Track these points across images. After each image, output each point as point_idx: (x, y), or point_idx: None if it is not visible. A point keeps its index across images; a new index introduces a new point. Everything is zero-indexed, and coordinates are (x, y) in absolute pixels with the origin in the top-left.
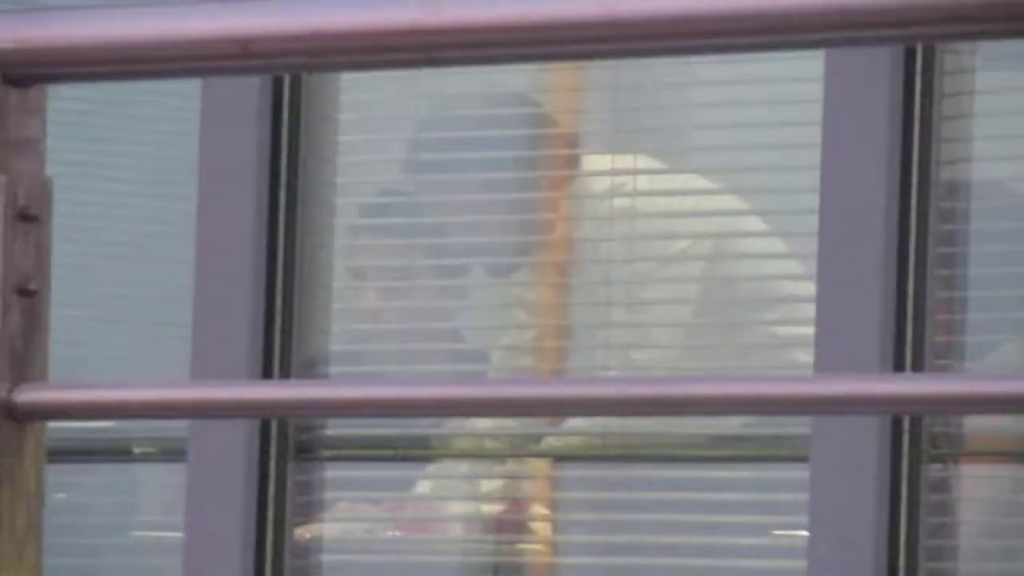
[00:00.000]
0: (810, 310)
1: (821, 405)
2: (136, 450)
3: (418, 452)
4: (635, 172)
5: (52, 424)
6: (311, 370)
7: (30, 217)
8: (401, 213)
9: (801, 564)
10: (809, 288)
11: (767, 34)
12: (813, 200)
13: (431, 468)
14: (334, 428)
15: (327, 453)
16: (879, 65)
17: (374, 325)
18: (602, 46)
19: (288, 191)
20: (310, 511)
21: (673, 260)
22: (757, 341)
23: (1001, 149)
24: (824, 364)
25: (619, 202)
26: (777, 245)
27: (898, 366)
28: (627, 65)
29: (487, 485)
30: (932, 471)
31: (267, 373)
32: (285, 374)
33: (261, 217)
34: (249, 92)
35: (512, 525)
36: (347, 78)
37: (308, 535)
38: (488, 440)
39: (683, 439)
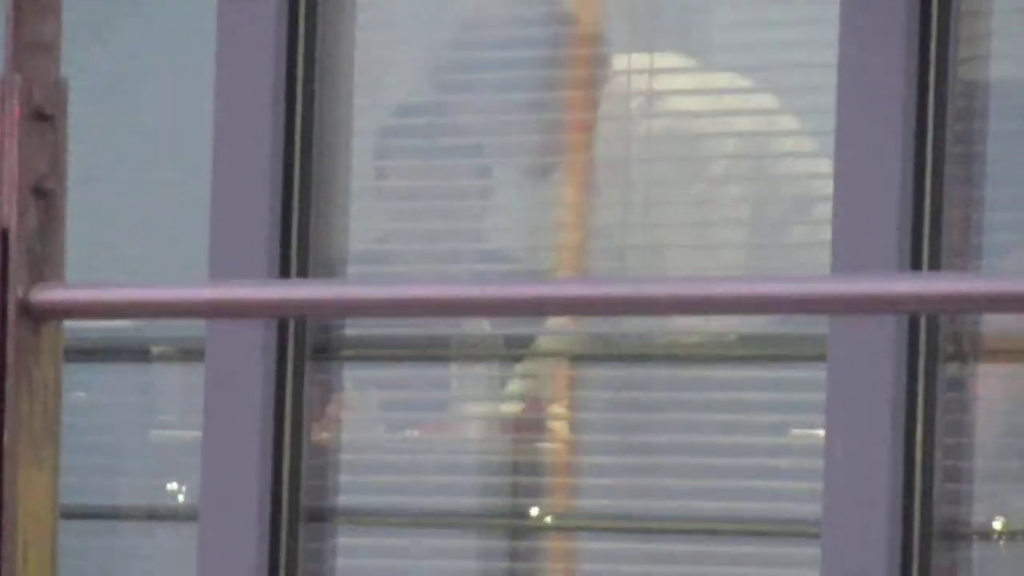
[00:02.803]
0: (828, 210)
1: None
2: (154, 351)
3: (436, 352)
4: (660, 71)
5: (69, 324)
6: (329, 271)
7: (45, 116)
8: (424, 113)
9: (818, 463)
10: (828, 188)
11: None
12: (829, 99)
13: (449, 369)
14: (352, 328)
15: (345, 353)
16: None
17: (394, 225)
18: None
19: (305, 92)
20: (328, 411)
21: (700, 160)
22: (779, 241)
23: (1019, 47)
24: (841, 264)
25: (644, 102)
26: (800, 144)
27: (915, 265)
28: None
29: (505, 385)
30: (949, 370)
31: (284, 273)
32: (303, 274)
33: (278, 117)
34: (267, 30)
35: (530, 425)
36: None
37: (326, 435)
38: (506, 340)
39: (701, 339)
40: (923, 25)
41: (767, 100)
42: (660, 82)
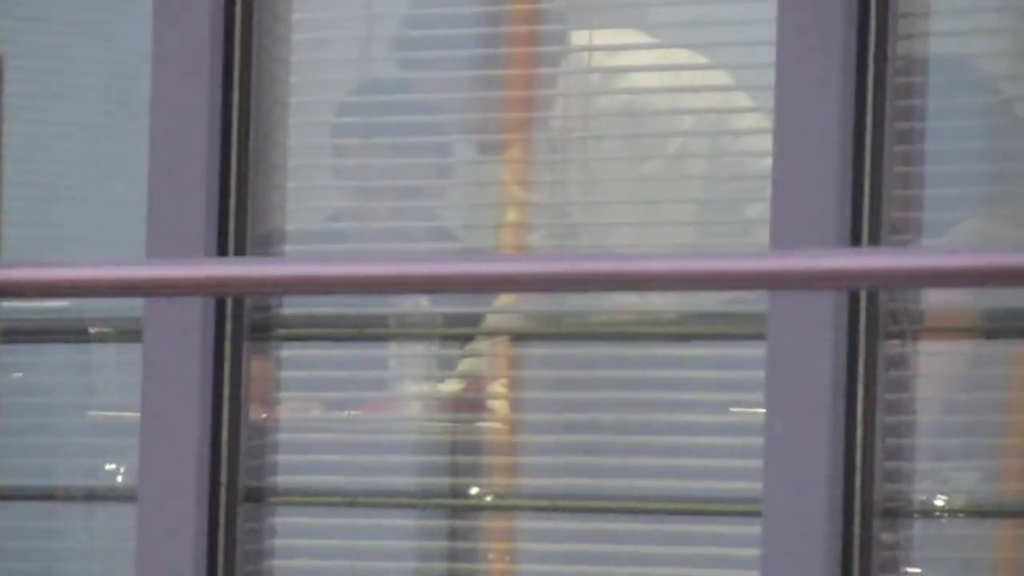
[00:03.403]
0: (767, 186)
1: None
2: (91, 330)
3: (375, 331)
4: (609, 48)
5: (6, 304)
6: (266, 249)
7: None
8: (370, 91)
9: (758, 441)
10: (766, 163)
11: None
12: (769, 76)
13: (388, 348)
14: (290, 307)
15: (284, 332)
16: None
17: (328, 203)
18: None
19: (243, 65)
20: (266, 391)
21: (648, 138)
22: (727, 219)
23: (959, 24)
24: (781, 240)
25: (594, 79)
26: (742, 122)
27: (855, 242)
28: None
29: (445, 364)
30: (889, 347)
31: (222, 251)
32: (240, 253)
33: (215, 93)
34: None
35: (470, 404)
36: None
37: (264, 415)
38: (446, 318)
39: (641, 317)
40: (863, 2)
41: (713, 77)
42: (607, 59)
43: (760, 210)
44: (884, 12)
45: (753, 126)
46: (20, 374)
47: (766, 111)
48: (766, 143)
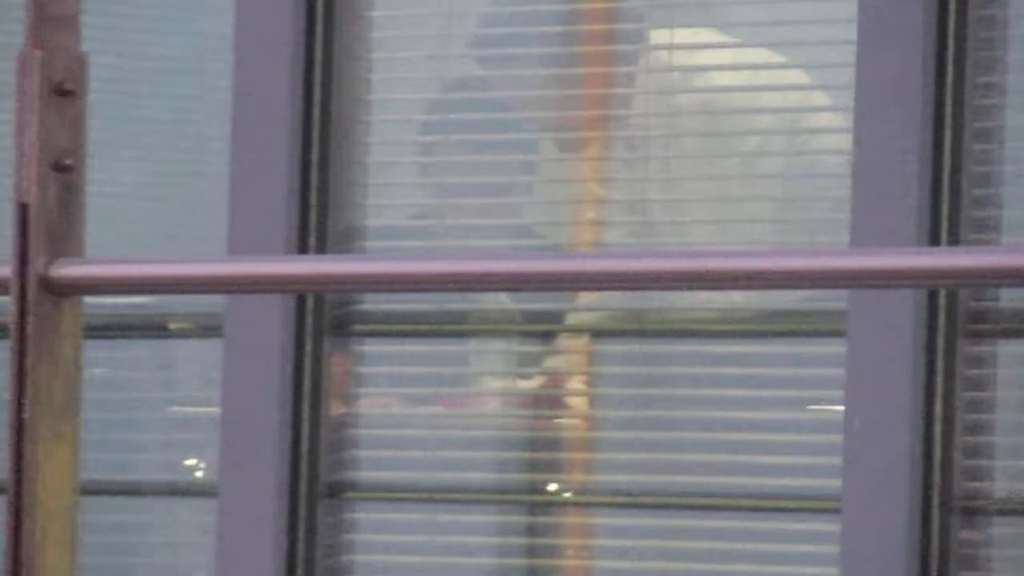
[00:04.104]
0: (848, 184)
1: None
2: (173, 326)
3: (454, 328)
4: (690, 47)
5: (89, 299)
6: (347, 246)
7: (66, 92)
8: (435, 89)
9: (837, 438)
10: (844, 161)
11: None
12: (848, 75)
13: (468, 343)
14: (371, 303)
15: (364, 328)
16: None
17: (407, 200)
18: None
19: (324, 64)
20: (347, 386)
21: (727, 136)
22: (806, 216)
23: None
24: (860, 239)
25: (668, 76)
26: (822, 121)
27: (934, 241)
28: None
29: (524, 360)
30: (968, 346)
31: (303, 248)
32: (321, 249)
33: (296, 90)
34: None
35: (549, 400)
36: None
37: (344, 410)
38: (525, 315)
39: (720, 314)
40: (942, 2)
41: (791, 76)
42: (686, 57)
43: (837, 209)
44: (963, 12)
45: (832, 125)
46: (103, 369)
47: (845, 110)
48: (844, 142)
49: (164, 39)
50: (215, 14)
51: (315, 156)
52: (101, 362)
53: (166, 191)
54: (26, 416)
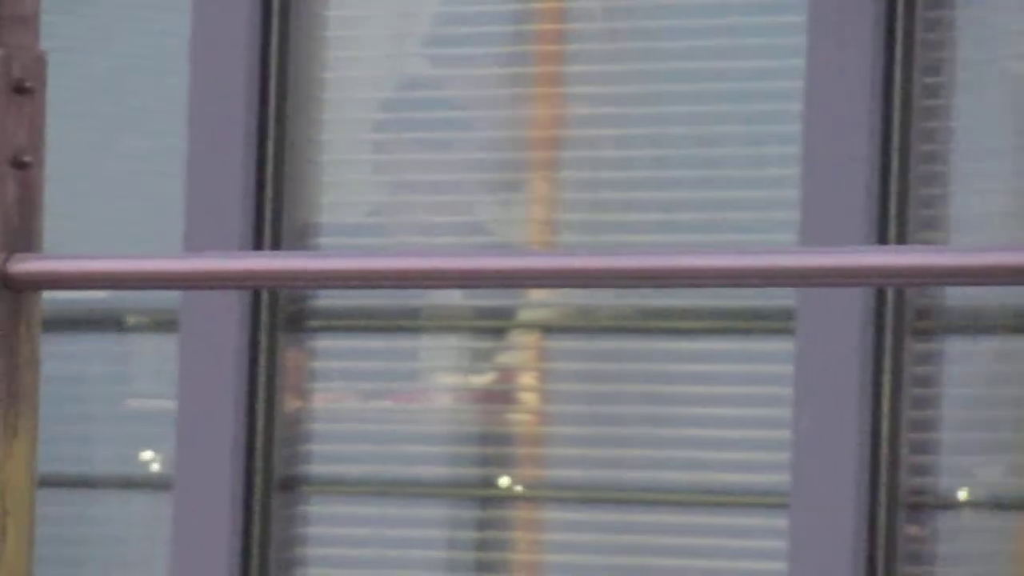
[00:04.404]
0: (796, 186)
1: (806, 277)
2: (129, 320)
3: (408, 323)
4: (636, 52)
5: (45, 294)
6: (301, 242)
7: (25, 90)
8: (389, 88)
9: (785, 434)
10: (795, 166)
11: None
12: (798, 80)
13: (421, 340)
14: (325, 299)
15: (318, 324)
16: None
17: (361, 198)
18: None
19: (279, 63)
20: (300, 381)
21: (679, 142)
22: (745, 218)
23: (984, 25)
24: (809, 238)
25: (609, 75)
26: (770, 123)
27: (882, 241)
28: None
29: (476, 356)
30: (915, 343)
31: (258, 245)
32: (276, 246)
33: (252, 90)
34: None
35: (500, 396)
36: None
37: (299, 404)
38: (477, 311)
39: (669, 311)
40: (890, 7)
41: (742, 81)
42: (637, 62)
43: (787, 209)
44: (912, 14)
45: (780, 128)
46: (59, 363)
47: (795, 114)
48: (793, 144)
49: (122, 36)
50: (173, 14)
51: (270, 153)
52: (57, 356)
53: (121, 186)
54: None
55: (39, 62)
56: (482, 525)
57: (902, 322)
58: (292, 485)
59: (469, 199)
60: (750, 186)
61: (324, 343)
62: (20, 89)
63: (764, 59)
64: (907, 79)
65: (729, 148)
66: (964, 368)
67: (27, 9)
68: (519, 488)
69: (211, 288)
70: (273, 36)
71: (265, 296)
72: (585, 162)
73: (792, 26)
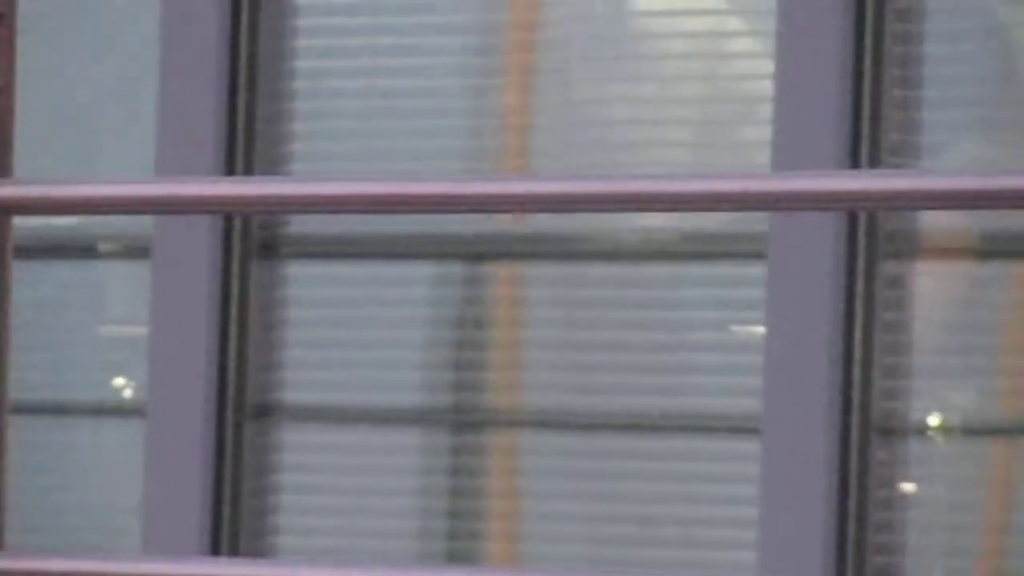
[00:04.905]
0: (768, 110)
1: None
2: (101, 247)
3: (381, 250)
4: None
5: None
6: (274, 169)
7: None
8: (365, 13)
9: (757, 359)
10: (768, 87)
11: None
12: (774, 2)
13: (393, 267)
14: (297, 226)
15: (290, 250)
16: None
17: (336, 124)
18: None
19: None
20: (272, 307)
21: (647, 60)
22: (725, 140)
23: None
24: (782, 163)
25: (591, 3)
26: (744, 46)
27: (854, 165)
28: None
29: (448, 283)
30: (888, 267)
31: (230, 170)
32: (248, 171)
33: (224, 8)
34: None
35: (472, 323)
36: None
37: (271, 332)
38: (450, 238)
39: (641, 236)
40: None
41: (714, 1)
42: None
43: (759, 133)
44: None
45: (755, 50)
46: (30, 291)
47: (768, 35)
48: (768, 67)
49: None
50: None
51: (243, 76)
52: (28, 283)
53: (93, 111)
54: None
55: None
56: (456, 452)
57: (874, 246)
58: (264, 413)
59: (439, 124)
60: (721, 108)
61: (297, 270)
62: None
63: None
64: (879, 2)
65: (698, 68)
66: (937, 292)
67: None
68: (492, 415)
69: (184, 213)
70: None
71: (238, 222)
72: (557, 86)
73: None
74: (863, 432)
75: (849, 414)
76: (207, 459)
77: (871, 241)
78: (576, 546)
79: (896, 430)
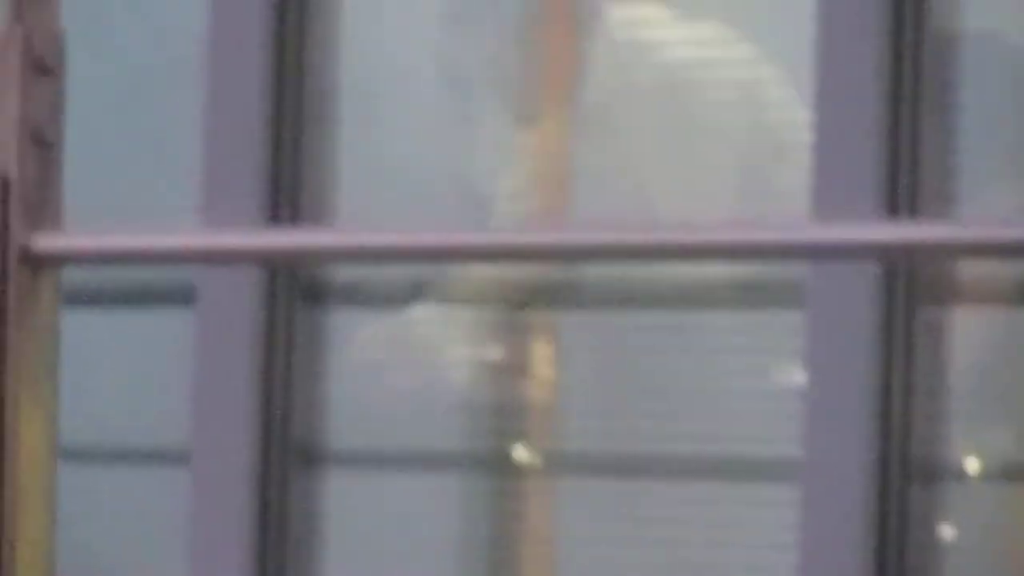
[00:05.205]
0: (806, 157)
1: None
2: (145, 294)
3: (424, 296)
4: (645, 22)
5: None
6: (319, 216)
7: (46, 68)
8: (412, 59)
9: (796, 405)
10: (805, 136)
11: None
12: (807, 47)
13: (437, 312)
14: (342, 273)
15: (335, 297)
16: None
17: (382, 166)
18: None
19: (296, 40)
20: (318, 355)
21: (684, 109)
22: (764, 189)
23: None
24: (820, 211)
25: (630, 52)
26: (781, 93)
27: (892, 214)
28: None
29: (490, 328)
30: (926, 313)
31: (276, 221)
32: (294, 222)
33: (268, 63)
34: None
35: (514, 368)
36: None
37: (316, 379)
38: (492, 283)
39: (681, 284)
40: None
41: (749, 50)
42: (645, 32)
43: (797, 181)
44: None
45: (792, 98)
46: (77, 336)
47: (806, 83)
48: (805, 115)
49: (134, 14)
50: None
51: (288, 124)
52: (76, 329)
53: (138, 161)
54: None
55: (59, 40)
56: (500, 497)
57: (913, 292)
58: (311, 459)
59: (476, 172)
60: (759, 157)
61: (341, 315)
62: (41, 67)
63: (772, 26)
64: (918, 48)
65: (736, 117)
66: (974, 338)
67: None
68: (534, 460)
69: (233, 263)
70: (290, 14)
71: (281, 269)
72: (594, 136)
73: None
74: (903, 478)
75: (888, 459)
76: (252, 506)
77: (910, 287)
78: None
79: (935, 476)
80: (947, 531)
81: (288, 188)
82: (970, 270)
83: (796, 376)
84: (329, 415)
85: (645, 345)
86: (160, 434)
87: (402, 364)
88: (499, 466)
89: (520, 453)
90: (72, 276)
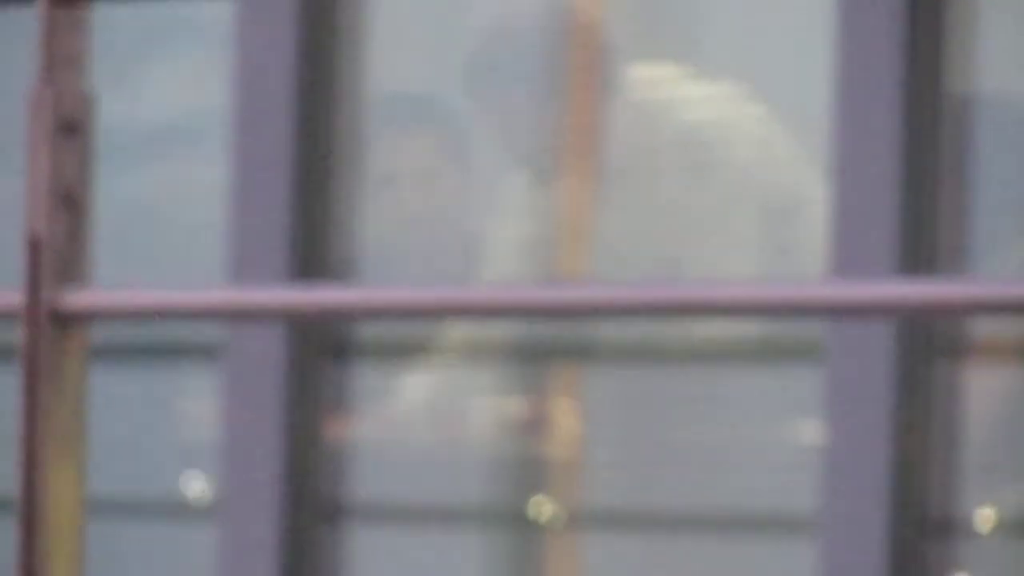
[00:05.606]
0: (824, 214)
1: (834, 308)
2: (173, 349)
3: (449, 352)
4: (662, 80)
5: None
6: (345, 273)
7: (75, 128)
8: (431, 119)
9: (813, 459)
10: (822, 193)
11: None
12: (823, 106)
13: (462, 368)
14: (368, 329)
15: (360, 352)
16: None
17: (405, 224)
18: None
19: (320, 98)
20: (344, 411)
21: (700, 169)
22: (777, 244)
23: (1006, 59)
24: (838, 268)
25: (647, 110)
26: (797, 152)
27: (909, 270)
28: None
29: (514, 384)
30: (943, 368)
31: (303, 277)
32: (320, 278)
33: (293, 125)
34: (284, 26)
35: (538, 423)
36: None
37: (343, 435)
38: (514, 339)
39: (699, 340)
40: (914, 40)
41: (766, 107)
42: (662, 91)
43: (813, 238)
44: (936, 51)
45: (808, 156)
46: (105, 392)
47: (821, 142)
48: (821, 173)
49: (160, 60)
50: (215, 43)
51: (313, 182)
52: (104, 385)
53: (165, 219)
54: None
55: (87, 101)
56: (525, 553)
57: (930, 347)
58: (338, 515)
59: (496, 227)
60: (779, 215)
61: (367, 371)
62: (69, 127)
63: (790, 85)
64: (936, 106)
65: (756, 175)
66: (990, 394)
67: (75, 49)
68: (560, 516)
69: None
70: (316, 70)
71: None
72: (614, 194)
73: (819, 52)
74: (919, 533)
75: (904, 514)
76: (280, 562)
77: (926, 344)
78: None
79: (951, 531)
80: None
81: (314, 244)
82: (986, 327)
83: (814, 431)
84: (354, 470)
85: (666, 401)
86: (188, 490)
87: (427, 420)
88: (523, 522)
89: (543, 509)
90: (100, 333)
